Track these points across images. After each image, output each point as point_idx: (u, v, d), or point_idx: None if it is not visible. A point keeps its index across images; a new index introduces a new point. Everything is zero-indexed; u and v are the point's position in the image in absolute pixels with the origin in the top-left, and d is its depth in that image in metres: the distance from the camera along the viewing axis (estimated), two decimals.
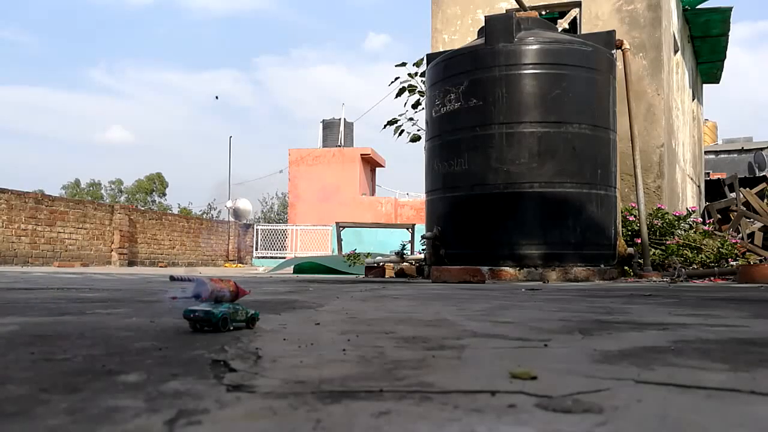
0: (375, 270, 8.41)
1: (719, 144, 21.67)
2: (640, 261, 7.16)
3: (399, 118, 10.39)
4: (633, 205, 7.87)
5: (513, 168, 6.60)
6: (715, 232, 8.43)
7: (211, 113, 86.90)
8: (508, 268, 6.45)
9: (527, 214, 6.59)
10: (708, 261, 7.40)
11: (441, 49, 9.17)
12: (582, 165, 6.71)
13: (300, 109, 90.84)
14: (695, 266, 7.31)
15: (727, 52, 14.31)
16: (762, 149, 19.18)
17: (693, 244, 7.60)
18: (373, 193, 28.81)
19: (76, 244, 17.42)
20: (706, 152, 17.98)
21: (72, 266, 15.37)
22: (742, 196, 11.22)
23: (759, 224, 10.46)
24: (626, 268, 7.10)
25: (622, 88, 7.55)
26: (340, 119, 29.06)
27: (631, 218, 7.78)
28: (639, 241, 7.37)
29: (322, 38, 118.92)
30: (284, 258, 19.77)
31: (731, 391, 1.07)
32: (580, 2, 9.54)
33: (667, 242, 7.59)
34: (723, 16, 12.31)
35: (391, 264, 8.40)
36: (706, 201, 14.31)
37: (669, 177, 9.39)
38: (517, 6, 8.14)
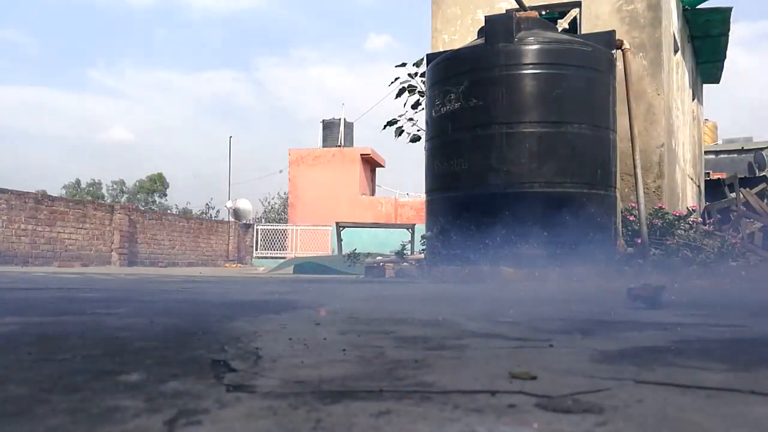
0: (375, 270, 8.41)
1: (719, 144, 21.64)
2: (641, 261, 7.15)
3: (399, 118, 10.39)
4: (633, 205, 7.86)
5: (513, 168, 6.59)
6: (715, 232, 8.42)
7: (211, 113, 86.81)
8: (508, 268, 6.44)
9: (527, 214, 6.58)
10: (708, 261, 7.39)
11: (441, 49, 9.16)
12: (582, 165, 6.71)
13: (300, 109, 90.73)
14: (695, 266, 7.31)
15: (727, 52, 14.28)
16: (762, 149, 19.14)
17: (693, 244, 7.59)
18: (373, 193, 28.79)
19: (76, 244, 17.40)
20: (706, 152, 17.95)
21: (72, 266, 15.36)
22: (742, 196, 11.22)
23: (759, 224, 10.45)
24: (626, 268, 7.09)
25: (622, 88, 7.54)
26: (340, 119, 29.03)
27: (631, 218, 7.77)
28: (639, 241, 7.37)
29: (322, 38, 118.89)
30: (284, 258, 19.75)
31: (731, 391, 1.07)
32: (580, 2, 9.53)
33: (668, 242, 7.59)
34: (723, 16, 12.29)
35: (391, 264, 8.40)
36: (706, 201, 14.31)
37: (669, 177, 9.39)
38: (517, 6, 8.14)
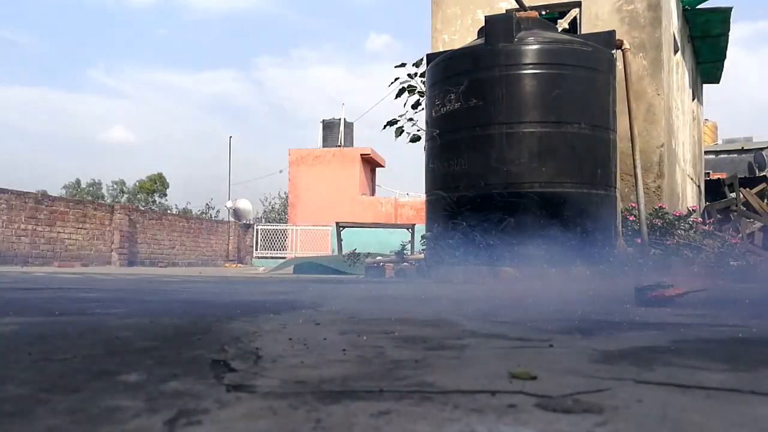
0: (375, 270, 8.41)
1: (719, 144, 21.64)
2: (641, 261, 7.15)
3: (399, 118, 10.39)
4: (633, 205, 7.86)
5: (513, 168, 6.59)
6: (715, 232, 8.43)
7: (211, 113, 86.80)
8: (508, 268, 6.44)
9: (527, 214, 6.58)
10: (708, 261, 7.39)
11: (441, 49, 9.16)
12: (582, 165, 6.71)
13: (300, 109, 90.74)
14: (695, 266, 7.30)
15: (727, 52, 14.28)
16: (762, 149, 19.15)
17: (693, 244, 7.59)
18: (373, 193, 28.80)
19: (76, 244, 17.40)
20: (706, 152, 17.94)
21: (72, 266, 15.35)
22: (742, 196, 11.23)
23: (759, 224, 10.46)
24: (626, 268, 7.09)
25: (622, 88, 7.54)
26: (340, 119, 29.04)
27: (631, 218, 7.77)
28: (639, 241, 7.37)
29: (322, 38, 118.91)
30: (284, 258, 19.76)
31: (731, 391, 1.07)
32: (580, 2, 9.53)
33: (668, 242, 7.59)
34: (723, 16, 12.28)
35: (391, 264, 8.40)
36: (706, 201, 14.31)
37: (669, 177, 9.39)
38: (517, 6, 8.14)
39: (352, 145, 28.57)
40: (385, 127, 10.52)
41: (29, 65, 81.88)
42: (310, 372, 1.21)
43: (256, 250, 25.85)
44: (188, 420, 0.85)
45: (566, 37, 7.52)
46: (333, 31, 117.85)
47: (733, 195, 12.33)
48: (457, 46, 8.53)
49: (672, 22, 10.44)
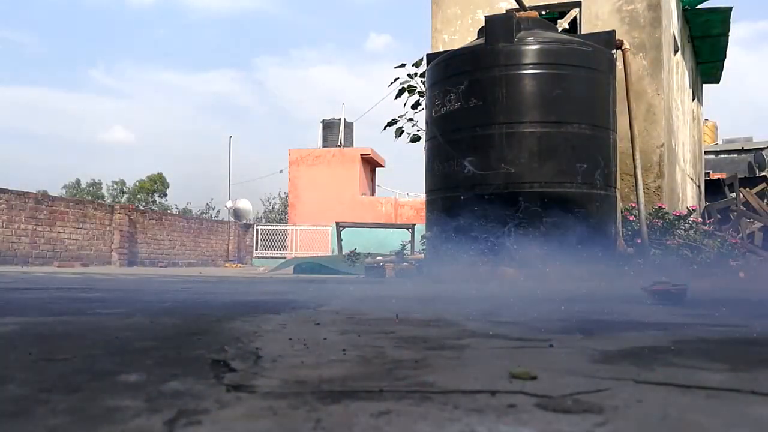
0: (375, 270, 8.41)
1: (719, 144, 21.64)
2: (641, 261, 7.15)
3: (399, 118, 10.39)
4: (633, 205, 7.86)
5: (513, 168, 6.59)
6: (715, 232, 8.43)
7: (211, 113, 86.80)
8: (508, 267, 6.44)
9: (527, 214, 6.59)
10: (708, 261, 7.39)
11: (441, 49, 9.16)
12: (582, 165, 6.71)
13: (300, 109, 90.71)
14: (695, 266, 7.31)
15: (727, 52, 14.28)
16: (762, 149, 19.15)
17: (693, 244, 7.59)
18: (373, 193, 28.79)
19: (76, 244, 17.39)
20: (706, 152, 17.93)
21: (72, 266, 15.35)
22: (742, 196, 11.23)
23: (759, 224, 10.46)
24: (626, 268, 7.08)
25: (622, 88, 7.54)
26: (340, 119, 29.03)
27: (631, 218, 7.77)
28: (639, 241, 7.36)
29: (322, 38, 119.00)
30: (284, 258, 19.76)
31: (731, 391, 1.07)
32: (580, 2, 9.53)
33: (668, 242, 7.59)
34: (723, 16, 12.29)
35: (391, 264, 8.40)
36: (706, 201, 14.31)
37: (669, 177, 9.38)
38: (517, 6, 8.13)
39: (352, 145, 28.56)
40: (385, 127, 10.52)
41: (29, 65, 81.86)
42: (310, 372, 1.21)
43: (256, 250, 25.85)
44: (188, 420, 0.85)
45: (566, 37, 7.52)
46: (333, 31, 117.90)
47: (733, 195, 12.34)
48: (457, 46, 8.52)
49: (672, 22, 10.44)
